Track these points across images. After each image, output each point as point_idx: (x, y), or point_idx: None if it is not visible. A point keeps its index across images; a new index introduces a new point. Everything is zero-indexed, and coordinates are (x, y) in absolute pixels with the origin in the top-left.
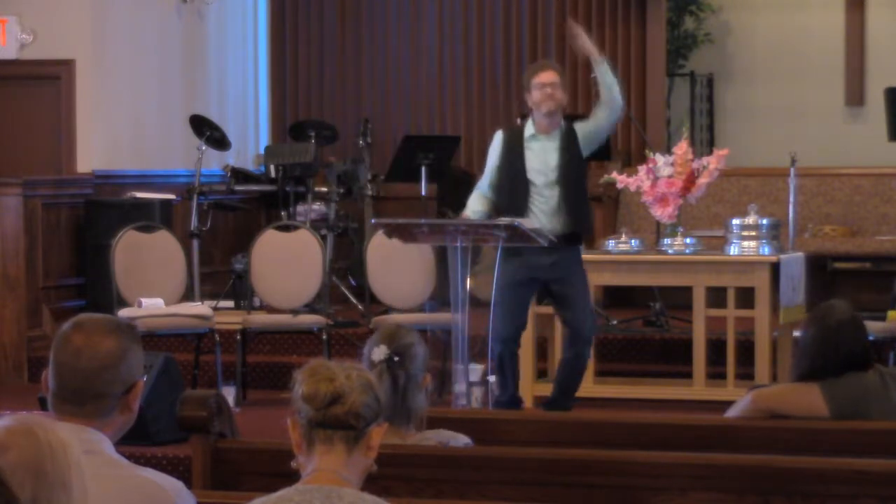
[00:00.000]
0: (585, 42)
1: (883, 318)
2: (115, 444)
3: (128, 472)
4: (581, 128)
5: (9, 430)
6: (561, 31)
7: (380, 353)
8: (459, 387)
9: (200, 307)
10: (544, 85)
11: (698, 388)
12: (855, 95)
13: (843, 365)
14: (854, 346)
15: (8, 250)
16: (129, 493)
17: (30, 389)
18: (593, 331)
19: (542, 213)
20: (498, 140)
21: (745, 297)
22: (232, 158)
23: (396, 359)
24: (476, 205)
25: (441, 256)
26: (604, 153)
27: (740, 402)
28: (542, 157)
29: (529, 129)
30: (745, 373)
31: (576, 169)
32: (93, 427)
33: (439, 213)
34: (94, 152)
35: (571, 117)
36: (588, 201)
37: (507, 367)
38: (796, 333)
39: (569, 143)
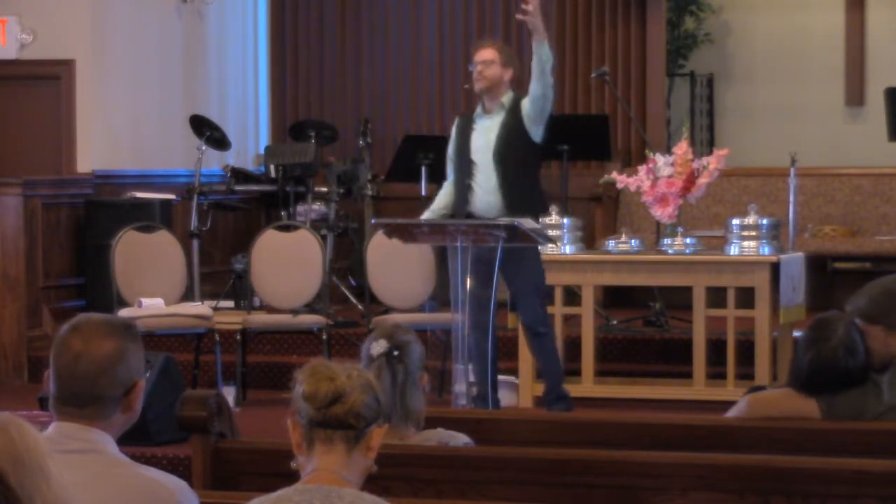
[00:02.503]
0: (537, 20)
1: None
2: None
3: (131, 472)
4: (524, 104)
5: None
6: (561, 31)
7: (379, 347)
8: (459, 387)
9: (200, 307)
10: (476, 63)
11: (698, 388)
12: (855, 95)
13: (839, 384)
14: (850, 368)
15: (8, 250)
16: (132, 492)
17: (30, 389)
18: (536, 315)
19: (482, 190)
20: (455, 125)
21: (745, 297)
22: (232, 158)
23: (396, 353)
24: (439, 201)
25: (441, 256)
26: (604, 153)
27: (737, 405)
28: (485, 136)
29: (478, 109)
30: (745, 373)
31: (515, 147)
32: (95, 427)
33: None
34: (94, 152)
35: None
36: (534, 181)
37: (473, 358)
38: (797, 334)
39: (511, 120)
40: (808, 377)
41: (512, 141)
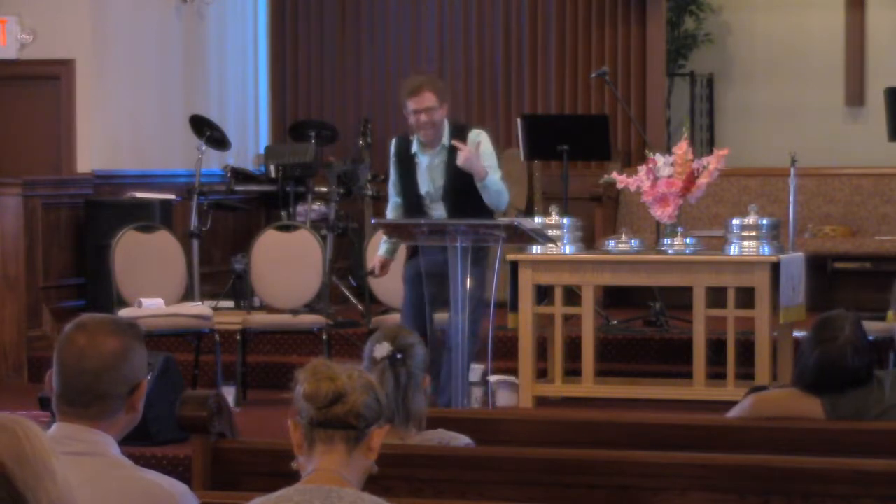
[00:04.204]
0: (473, 164)
1: (883, 318)
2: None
3: (132, 474)
4: (472, 143)
5: None
6: (561, 31)
7: (382, 349)
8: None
9: (200, 307)
10: (417, 112)
11: (698, 388)
12: (855, 95)
13: (846, 383)
14: (857, 366)
15: (8, 250)
16: (132, 495)
17: (30, 389)
18: (464, 337)
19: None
20: (392, 150)
21: (745, 297)
22: (232, 158)
23: (399, 356)
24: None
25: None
26: (604, 153)
27: (740, 404)
28: (429, 173)
29: (416, 142)
30: (746, 373)
31: (463, 182)
32: (98, 428)
33: None
34: (94, 152)
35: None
36: (483, 212)
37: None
38: (797, 334)
39: (454, 158)
40: (816, 376)
41: (459, 180)
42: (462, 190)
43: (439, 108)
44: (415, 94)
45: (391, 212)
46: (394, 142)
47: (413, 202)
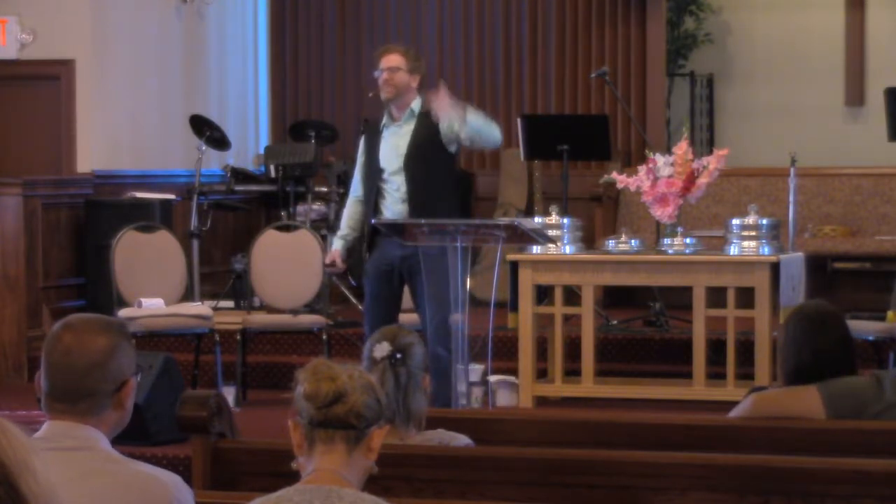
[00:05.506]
0: (451, 111)
1: (883, 318)
2: (113, 444)
3: (124, 467)
4: (444, 124)
5: None
6: (561, 31)
7: (382, 350)
8: (459, 387)
9: (200, 307)
10: (382, 70)
11: (698, 388)
12: (855, 95)
13: (832, 358)
14: (838, 336)
15: (8, 250)
16: (126, 488)
17: (30, 389)
18: (440, 332)
19: (392, 200)
20: (362, 137)
21: (746, 297)
22: (232, 158)
23: (399, 356)
24: (346, 223)
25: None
26: (604, 153)
27: (741, 404)
28: (393, 143)
29: (385, 118)
30: (745, 373)
31: (426, 156)
32: (87, 424)
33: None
34: (94, 152)
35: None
36: (445, 189)
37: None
38: None
39: (422, 128)
40: (798, 353)
41: (424, 149)
42: (424, 162)
43: (405, 72)
44: (384, 54)
45: (347, 217)
46: (363, 128)
47: (371, 175)
